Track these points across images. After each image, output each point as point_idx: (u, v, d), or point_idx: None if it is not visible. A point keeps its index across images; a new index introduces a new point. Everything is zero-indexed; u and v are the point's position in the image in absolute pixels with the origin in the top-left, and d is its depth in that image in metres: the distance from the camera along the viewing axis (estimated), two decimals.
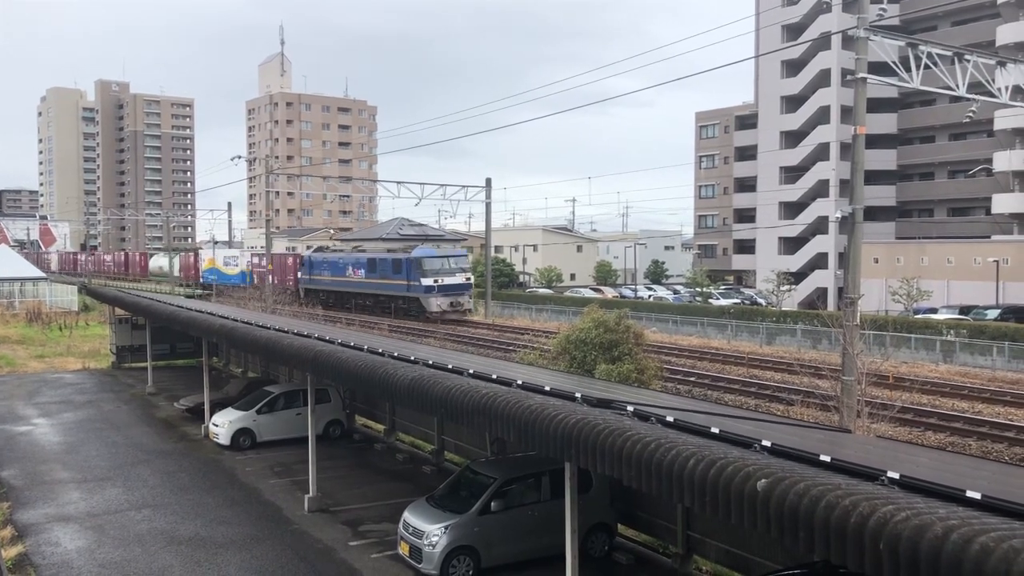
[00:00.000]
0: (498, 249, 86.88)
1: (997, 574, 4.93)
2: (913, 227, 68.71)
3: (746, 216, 78.17)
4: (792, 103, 72.58)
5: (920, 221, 69.47)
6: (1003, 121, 58.00)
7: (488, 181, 57.24)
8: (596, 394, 10.70)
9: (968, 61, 21.91)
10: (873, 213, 62.55)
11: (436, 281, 51.90)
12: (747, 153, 77.75)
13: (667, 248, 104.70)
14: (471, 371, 12.37)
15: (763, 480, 6.63)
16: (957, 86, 21.69)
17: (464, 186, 57.48)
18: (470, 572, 12.97)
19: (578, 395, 10.30)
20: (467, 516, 13.08)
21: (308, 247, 78.76)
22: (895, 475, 6.96)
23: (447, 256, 54.52)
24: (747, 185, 77.80)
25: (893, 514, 5.71)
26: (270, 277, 61.16)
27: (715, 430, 8.72)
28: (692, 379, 29.55)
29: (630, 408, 9.62)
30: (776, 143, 73.47)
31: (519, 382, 11.27)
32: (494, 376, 11.94)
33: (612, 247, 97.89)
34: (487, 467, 14.46)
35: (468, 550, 12.98)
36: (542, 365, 23.79)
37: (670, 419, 9.16)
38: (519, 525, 13.26)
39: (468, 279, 54.11)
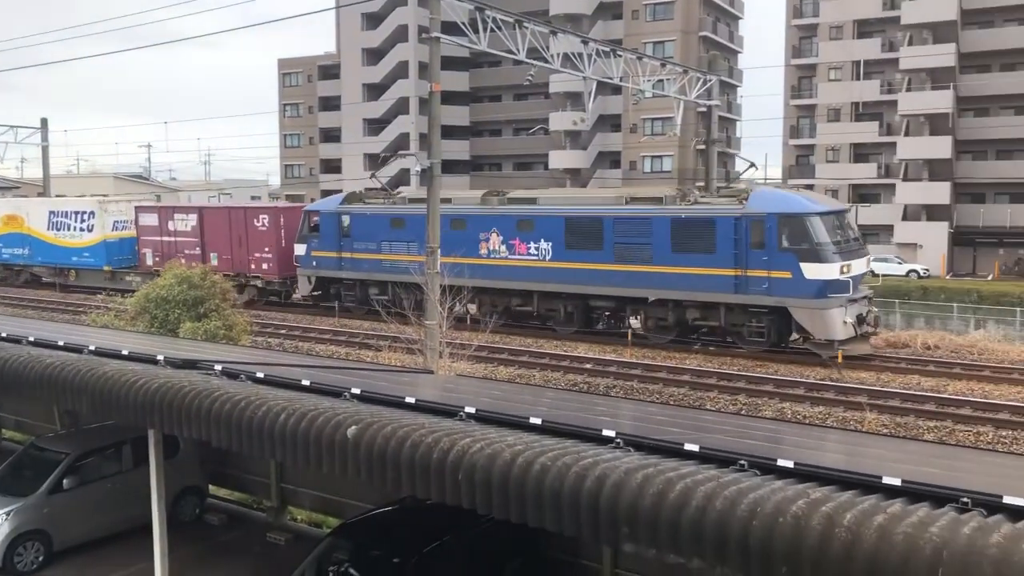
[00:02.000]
0: None
1: (552, 488, 5.67)
2: (485, 180, 74.34)
3: (333, 167, 78.70)
4: (373, 56, 74.07)
5: (491, 175, 75.34)
6: (557, 85, 64.66)
7: (44, 121, 50.81)
8: (181, 355, 10.21)
9: (527, 28, 24.06)
10: (450, 166, 66.46)
11: (843, 270, 22.93)
12: (331, 103, 78.00)
13: (254, 198, 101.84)
14: (31, 338, 11.08)
15: (353, 427, 6.87)
16: (518, 50, 23.74)
17: (13, 126, 50.39)
18: (40, 558, 11.76)
19: (161, 357, 9.74)
20: (34, 498, 11.80)
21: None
22: (472, 410, 7.62)
23: (836, 211, 24.68)
24: (333, 136, 78.21)
25: (470, 446, 6.26)
26: (200, 252, 34.88)
27: (306, 382, 8.81)
28: (283, 331, 29.36)
29: (218, 367, 9.33)
30: (359, 95, 74.64)
31: (91, 348, 10.35)
32: (61, 343, 10.83)
33: (195, 197, 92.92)
34: (56, 442, 13.13)
35: (37, 534, 11.74)
36: (118, 327, 22.01)
37: (260, 375, 9.05)
38: (99, 500, 12.28)
39: (869, 259, 25.88)
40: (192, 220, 36.51)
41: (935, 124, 54.44)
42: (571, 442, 6.61)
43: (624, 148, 65.36)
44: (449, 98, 65.07)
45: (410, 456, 6.45)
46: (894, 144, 56.02)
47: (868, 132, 59.06)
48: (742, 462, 6.11)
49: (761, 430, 9.42)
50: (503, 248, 28.03)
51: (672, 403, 19.41)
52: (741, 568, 5.04)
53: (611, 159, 67.61)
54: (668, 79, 32.82)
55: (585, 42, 27.09)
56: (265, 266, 34.38)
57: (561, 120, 66.53)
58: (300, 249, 33.04)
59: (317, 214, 32.81)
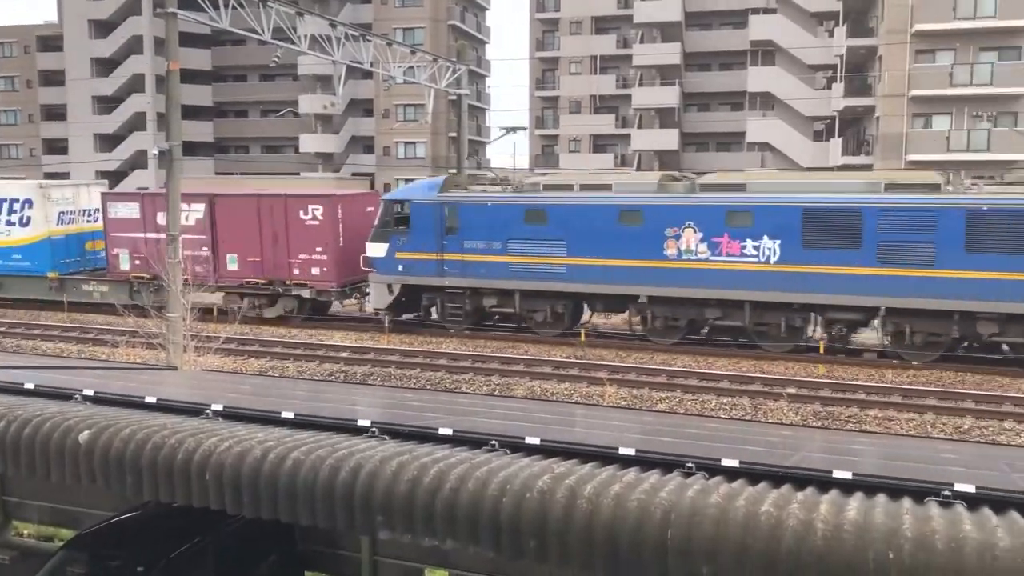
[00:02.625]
0: None
1: (306, 482, 5.60)
2: (231, 163, 71.20)
3: (58, 147, 71.97)
4: (103, 28, 68.45)
5: (237, 158, 72.28)
6: (306, 68, 62.97)
7: None
8: None
9: (272, 7, 23.26)
10: (193, 148, 63.04)
11: None
12: (55, 78, 71.21)
13: None
14: None
15: (86, 432, 6.40)
16: (263, 30, 22.90)
17: None
18: None
19: None
20: None
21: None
22: (219, 407, 7.33)
23: None
24: (57, 113, 71.51)
25: (217, 445, 6.03)
26: (209, 253, 26.99)
27: (30, 385, 8.07)
28: (3, 329, 26.60)
29: None
30: (88, 70, 68.75)
31: None
32: None
33: None
34: None
35: None
36: None
37: None
38: None
39: None
40: (197, 211, 27.40)
41: (664, 118, 58.85)
42: (326, 434, 6.55)
43: (377, 134, 65.07)
44: (190, 77, 61.56)
45: (152, 459, 6.11)
46: (629, 136, 59.92)
47: (606, 124, 62.72)
48: (493, 442, 6.34)
49: (512, 409, 9.81)
50: (702, 247, 22.13)
51: (429, 388, 19.70)
52: (493, 546, 5.25)
53: (364, 144, 67.08)
54: (418, 66, 33.05)
55: (334, 25, 26.65)
56: (316, 271, 26.49)
57: (311, 103, 65.06)
58: (376, 249, 25.46)
59: (405, 204, 25.37)
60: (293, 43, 24.54)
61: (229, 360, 21.98)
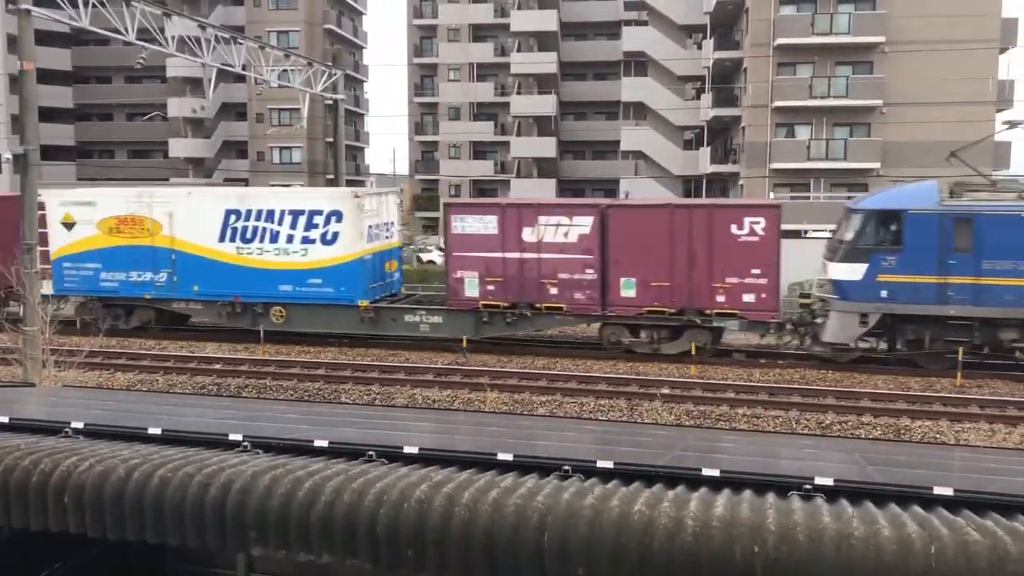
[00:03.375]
0: None
1: (173, 500, 5.39)
2: (94, 169, 67.95)
3: None
4: None
5: (101, 163, 69.04)
6: (174, 70, 60.83)
7: None
8: None
9: (136, 7, 22.38)
10: (52, 153, 59.84)
11: None
12: None
13: None
14: None
15: None
16: (127, 30, 22.01)
17: None
18: None
19: None
20: None
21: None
22: (80, 424, 6.99)
23: None
24: None
25: (77, 465, 5.75)
26: (596, 276, 22.57)
27: None
28: None
29: None
30: None
31: None
32: None
33: None
34: None
35: None
36: None
37: None
38: None
39: None
40: (582, 226, 22.90)
41: (542, 126, 59.67)
42: (195, 450, 6.32)
43: (251, 138, 63.36)
44: (48, 77, 58.48)
45: (3, 482, 5.76)
46: (508, 143, 60.46)
47: (485, 131, 63.13)
48: (370, 453, 6.27)
49: (391, 418, 9.72)
50: None
51: (307, 399, 19.31)
52: (370, 557, 5.18)
53: (237, 149, 65.24)
54: (293, 70, 32.44)
55: (203, 27, 25.86)
56: (750, 298, 21.91)
57: (181, 106, 62.83)
58: (848, 271, 21.09)
59: (896, 216, 20.68)
60: (160, 44, 23.68)
61: (94, 375, 20.96)
